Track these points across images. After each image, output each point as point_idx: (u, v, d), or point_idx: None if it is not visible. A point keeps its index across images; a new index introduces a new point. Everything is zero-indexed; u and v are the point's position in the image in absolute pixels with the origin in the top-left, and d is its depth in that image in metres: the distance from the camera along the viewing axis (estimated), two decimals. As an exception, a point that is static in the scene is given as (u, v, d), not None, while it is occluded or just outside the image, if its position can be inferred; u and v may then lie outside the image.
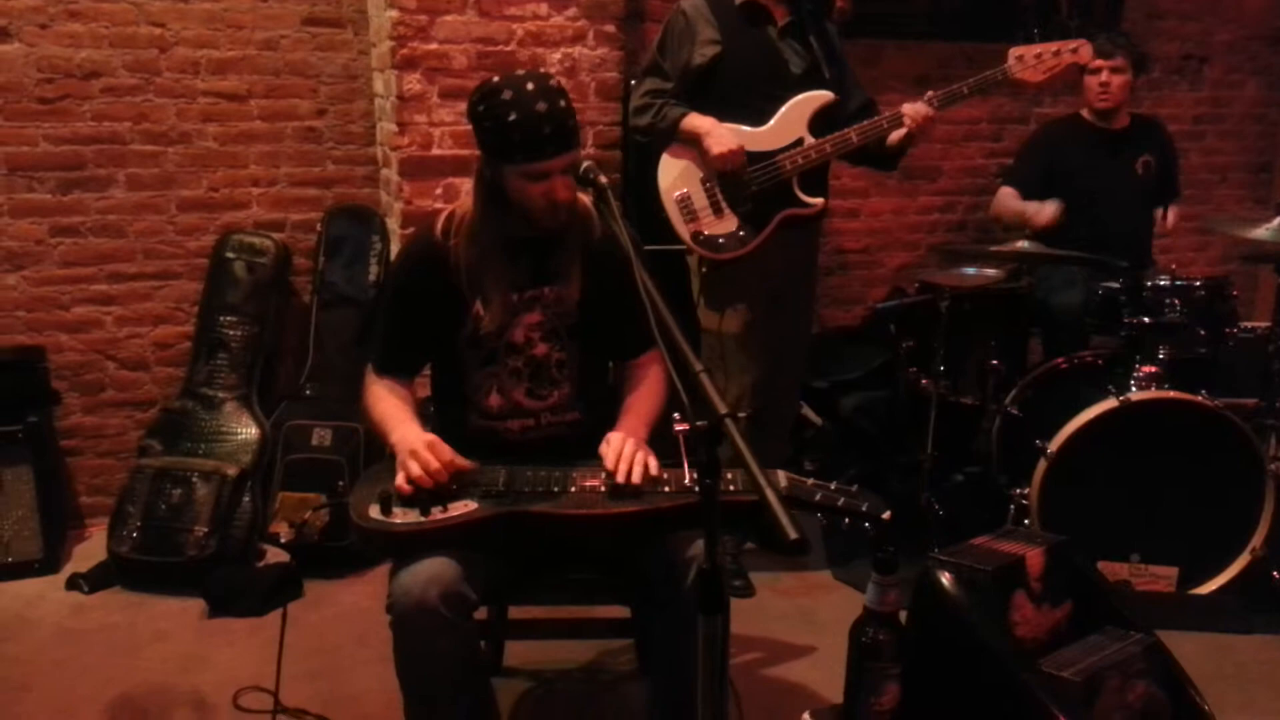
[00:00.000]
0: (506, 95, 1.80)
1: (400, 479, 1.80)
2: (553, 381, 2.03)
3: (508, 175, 1.86)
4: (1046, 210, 3.31)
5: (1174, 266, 3.27)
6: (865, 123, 2.80)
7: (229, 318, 3.30)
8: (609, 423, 2.08)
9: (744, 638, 2.68)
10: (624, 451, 1.83)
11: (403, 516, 1.78)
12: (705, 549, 1.38)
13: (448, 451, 1.82)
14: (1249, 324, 3.34)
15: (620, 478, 1.80)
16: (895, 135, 2.81)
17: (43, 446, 3.14)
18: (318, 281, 3.42)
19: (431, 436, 1.85)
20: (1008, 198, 3.52)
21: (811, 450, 3.63)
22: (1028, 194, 3.46)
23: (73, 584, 2.97)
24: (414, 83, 3.07)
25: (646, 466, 1.83)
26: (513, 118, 1.78)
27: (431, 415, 2.16)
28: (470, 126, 1.89)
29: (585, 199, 2.00)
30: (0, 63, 3.08)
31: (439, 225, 1.99)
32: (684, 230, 2.83)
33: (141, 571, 2.96)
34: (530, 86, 1.80)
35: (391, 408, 1.98)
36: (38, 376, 3.19)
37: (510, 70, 1.94)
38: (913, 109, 2.75)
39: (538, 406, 2.03)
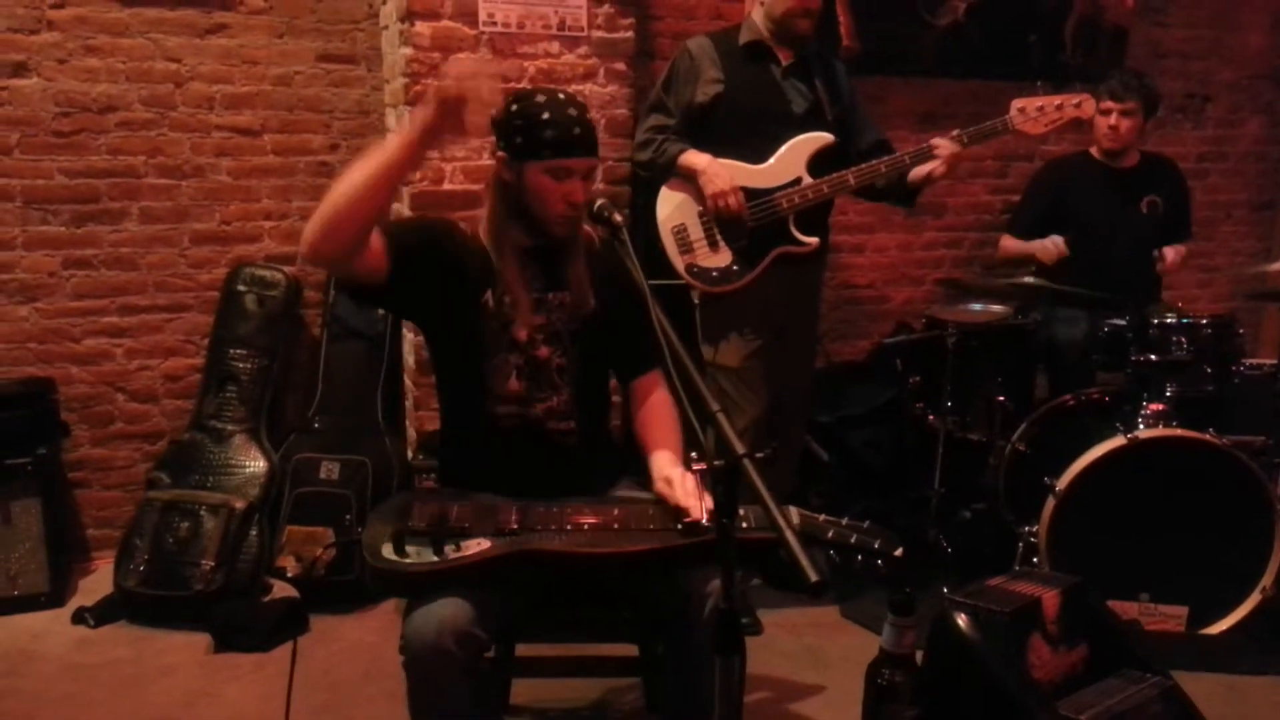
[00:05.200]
0: (540, 99, 1.92)
1: (446, 87, 1.68)
2: (551, 385, 2.03)
3: (531, 174, 1.92)
4: (1050, 247, 3.32)
5: (1180, 304, 3.28)
6: (866, 164, 2.83)
7: (239, 350, 3.31)
8: (605, 436, 2.13)
9: (752, 676, 2.66)
10: (689, 489, 1.84)
11: (416, 556, 1.77)
12: (722, 589, 1.39)
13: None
14: (1255, 361, 3.35)
15: (696, 516, 1.79)
16: (918, 173, 2.84)
17: (51, 479, 3.13)
18: (327, 315, 3.43)
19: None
20: (1011, 245, 3.54)
21: (818, 485, 3.63)
22: (1029, 239, 3.48)
23: (79, 618, 2.96)
24: (426, 119, 3.10)
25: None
26: (546, 116, 1.90)
27: (441, 406, 2.13)
28: (495, 140, 1.97)
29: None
30: (18, 97, 3.12)
31: (460, 223, 2.05)
32: (678, 262, 2.86)
33: (148, 605, 2.95)
34: (562, 96, 1.95)
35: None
36: (47, 408, 3.19)
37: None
38: (943, 144, 2.78)
39: (539, 409, 2.03)
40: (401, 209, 3.27)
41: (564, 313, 2.03)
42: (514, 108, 1.93)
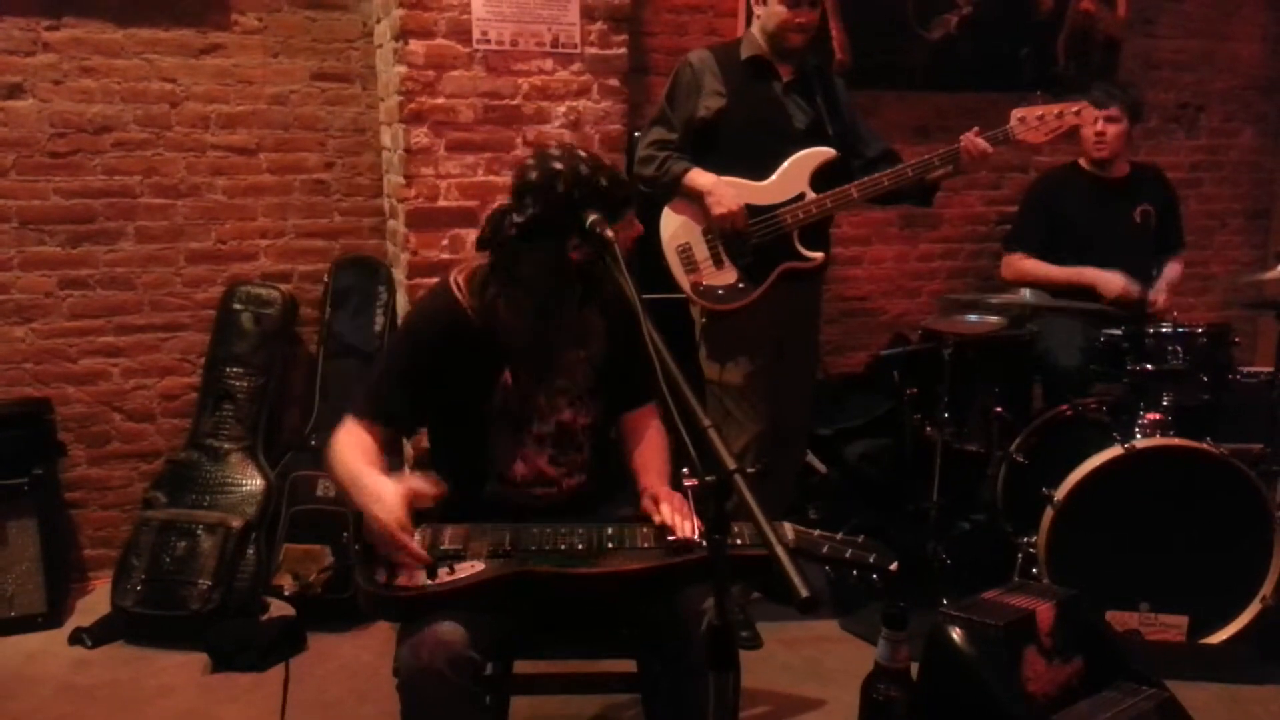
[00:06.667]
0: (561, 164, 1.82)
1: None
2: (576, 447, 2.02)
3: (619, 232, 1.80)
4: (1122, 283, 3.30)
5: (1175, 314, 3.28)
6: (868, 177, 2.84)
7: (235, 369, 3.31)
8: (611, 478, 2.10)
9: (751, 690, 2.66)
10: (675, 507, 1.84)
11: (409, 580, 1.76)
12: (715, 606, 1.38)
13: (400, 516, 1.76)
14: (1251, 369, 3.35)
15: (680, 534, 1.79)
16: (939, 171, 2.84)
17: (48, 499, 3.13)
18: (324, 332, 3.44)
19: (400, 515, 1.76)
20: (1035, 266, 3.49)
21: (816, 498, 3.62)
22: (1036, 252, 3.48)
23: (76, 638, 2.95)
24: (421, 136, 3.12)
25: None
26: (585, 170, 1.81)
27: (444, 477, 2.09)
28: (546, 233, 1.85)
29: None
30: (13, 118, 3.13)
31: (461, 288, 1.95)
32: (684, 281, 2.86)
33: (145, 625, 2.94)
34: (568, 149, 1.88)
35: (357, 466, 1.87)
36: (44, 428, 3.19)
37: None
38: (969, 141, 2.79)
39: (558, 474, 2.02)
40: (398, 226, 3.29)
41: (580, 370, 2.00)
42: (559, 188, 1.80)
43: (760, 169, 2.83)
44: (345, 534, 3.09)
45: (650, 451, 2.07)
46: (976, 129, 2.84)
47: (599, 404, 2.03)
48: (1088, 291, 3.32)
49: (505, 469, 1.99)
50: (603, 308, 1.99)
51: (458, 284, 1.96)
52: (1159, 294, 3.44)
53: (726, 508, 1.37)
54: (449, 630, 1.72)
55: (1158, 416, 2.90)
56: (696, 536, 1.78)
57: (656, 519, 1.84)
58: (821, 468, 3.63)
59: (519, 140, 3.19)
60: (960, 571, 3.11)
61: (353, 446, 1.90)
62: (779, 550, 1.22)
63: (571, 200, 1.80)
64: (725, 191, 2.76)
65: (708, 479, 1.38)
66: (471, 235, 2.05)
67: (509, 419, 1.97)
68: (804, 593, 1.17)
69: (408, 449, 3.39)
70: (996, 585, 2.00)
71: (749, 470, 1.36)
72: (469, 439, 2.00)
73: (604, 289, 1.93)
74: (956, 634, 1.55)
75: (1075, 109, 2.87)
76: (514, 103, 3.18)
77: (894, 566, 1.81)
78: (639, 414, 2.12)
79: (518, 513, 1.97)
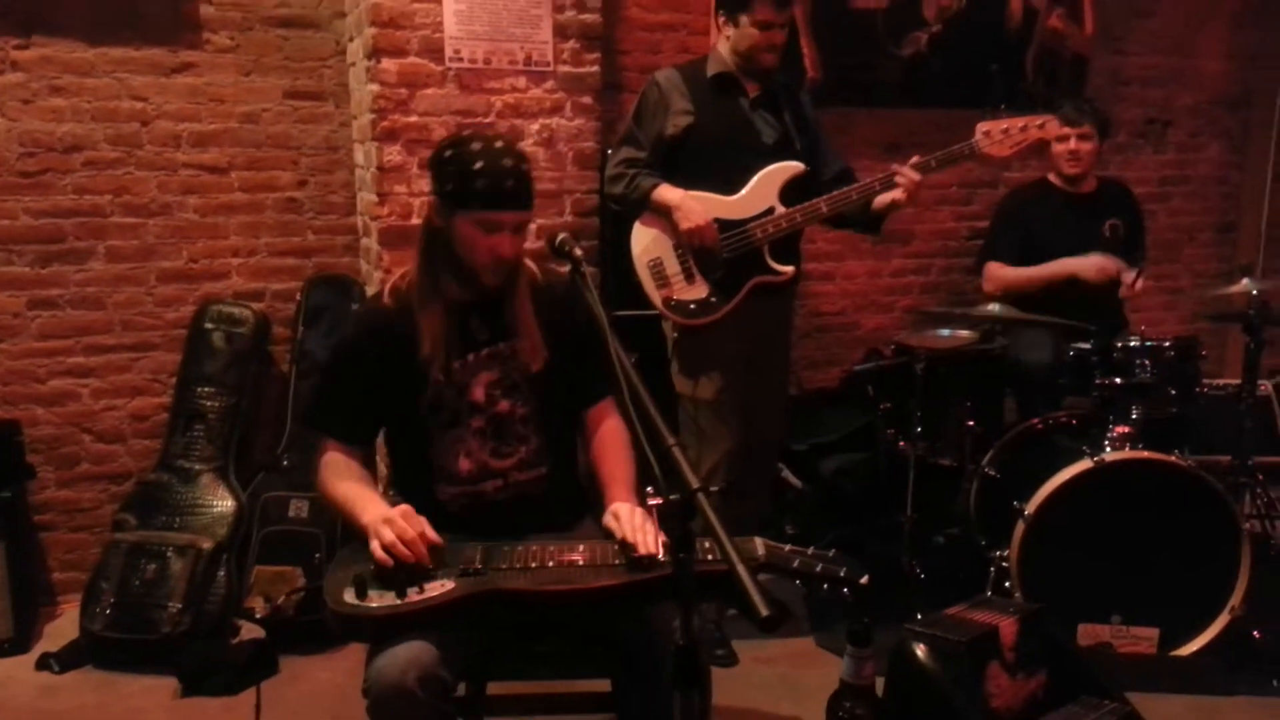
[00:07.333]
0: (476, 146, 1.90)
1: (376, 549, 1.78)
2: (518, 437, 2.03)
3: (459, 224, 1.90)
4: (1107, 265, 3.31)
5: (1143, 327, 3.32)
6: (838, 191, 2.86)
7: (207, 388, 3.29)
8: (573, 476, 2.11)
9: (726, 708, 2.65)
10: (637, 523, 1.84)
11: (379, 600, 1.75)
12: (680, 624, 1.38)
13: (421, 521, 1.82)
14: (1220, 381, 3.38)
15: (643, 550, 1.79)
16: (882, 200, 2.87)
17: (15, 522, 3.09)
18: (296, 351, 3.42)
19: (405, 507, 1.84)
20: (1015, 272, 3.48)
21: (792, 513, 3.63)
22: (1014, 263, 3.51)
23: (43, 664, 2.90)
24: (394, 154, 3.12)
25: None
26: (479, 165, 1.86)
27: (396, 495, 2.12)
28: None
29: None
30: (-19, 138, 3.12)
31: (386, 294, 2.02)
32: (656, 296, 2.87)
33: (114, 650, 2.90)
34: (499, 144, 1.92)
35: (355, 488, 1.95)
36: (12, 451, 3.15)
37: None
38: (905, 171, 2.81)
39: (505, 465, 2.02)
40: (371, 244, 3.28)
41: (517, 360, 2.02)
42: (448, 153, 1.91)
43: (729, 184, 2.84)
44: (317, 555, 3.07)
45: (614, 460, 2.07)
46: (917, 158, 2.86)
47: (539, 396, 2.03)
48: (1063, 299, 3.33)
49: (450, 466, 2.01)
50: (535, 302, 2.02)
51: (386, 292, 2.03)
52: (1131, 276, 3.43)
53: (692, 526, 1.38)
54: (419, 649, 1.71)
55: (1126, 429, 2.92)
56: (660, 553, 1.78)
57: (618, 534, 1.84)
58: (797, 483, 3.64)
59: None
60: (935, 585, 3.12)
61: (340, 468, 1.99)
62: (740, 569, 1.23)
63: (442, 160, 1.90)
64: (693, 206, 2.78)
65: (672, 498, 1.38)
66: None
67: (445, 414, 1.99)
68: (764, 611, 1.18)
69: (381, 468, 3.38)
70: (970, 599, 2.01)
71: (712, 489, 1.36)
72: (414, 441, 2.03)
73: (533, 285, 2.02)
74: (920, 650, 1.56)
75: (1039, 122, 2.92)
76: (487, 120, 3.18)
77: (865, 580, 1.82)
78: (597, 410, 2.13)
79: (475, 513, 1.99)
